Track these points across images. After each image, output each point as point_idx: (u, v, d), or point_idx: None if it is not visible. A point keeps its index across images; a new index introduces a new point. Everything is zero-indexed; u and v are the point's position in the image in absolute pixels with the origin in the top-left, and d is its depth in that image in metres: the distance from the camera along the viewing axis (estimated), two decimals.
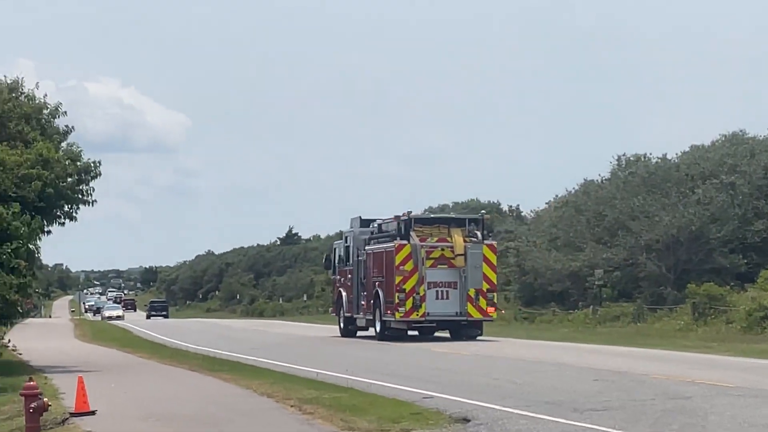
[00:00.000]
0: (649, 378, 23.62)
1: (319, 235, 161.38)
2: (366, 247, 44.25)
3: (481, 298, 40.88)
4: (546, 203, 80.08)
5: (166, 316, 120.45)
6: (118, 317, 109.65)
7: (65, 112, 34.75)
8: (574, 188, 72.93)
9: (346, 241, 47.22)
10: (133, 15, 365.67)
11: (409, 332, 42.47)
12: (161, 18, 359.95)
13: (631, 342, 38.97)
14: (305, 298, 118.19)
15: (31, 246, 29.97)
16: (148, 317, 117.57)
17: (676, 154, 66.39)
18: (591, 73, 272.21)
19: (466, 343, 39.82)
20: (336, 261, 48.57)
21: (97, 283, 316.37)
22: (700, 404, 18.67)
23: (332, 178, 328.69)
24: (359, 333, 46.01)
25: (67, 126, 34.76)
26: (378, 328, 42.83)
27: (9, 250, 28.32)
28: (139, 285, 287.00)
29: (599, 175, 70.66)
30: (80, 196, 32.92)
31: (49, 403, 17.21)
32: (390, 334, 41.97)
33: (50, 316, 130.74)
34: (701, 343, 37.18)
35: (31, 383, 17.09)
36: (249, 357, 34.70)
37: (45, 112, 34.33)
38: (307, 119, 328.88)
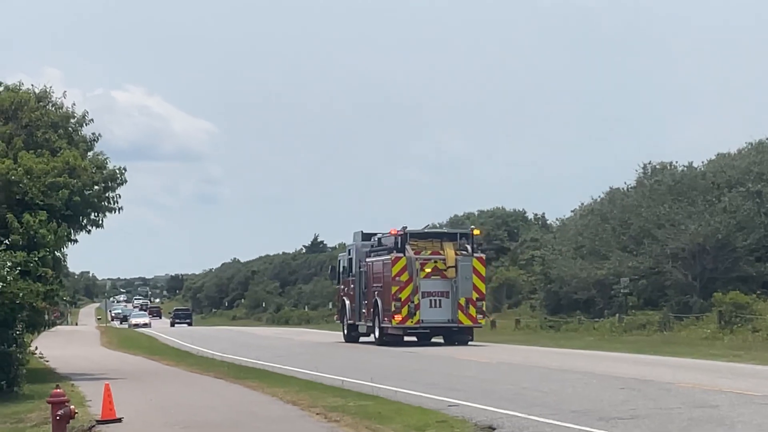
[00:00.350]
0: (675, 386, 23.53)
1: (345, 243, 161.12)
2: (366, 259, 47.74)
3: (470, 306, 44.14)
4: (571, 211, 79.91)
5: (190, 324, 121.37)
6: (145, 325, 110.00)
7: (92, 120, 34.95)
8: (599, 196, 72.94)
9: (349, 254, 50.62)
10: (159, 24, 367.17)
11: (406, 338, 45.59)
12: (187, 27, 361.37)
13: (657, 350, 38.85)
14: (331, 306, 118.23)
15: (57, 254, 30.12)
16: (172, 325, 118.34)
17: (702, 162, 66.35)
18: (617, 81, 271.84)
19: (492, 350, 40.12)
20: (340, 272, 52.10)
21: (123, 290, 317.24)
22: (728, 413, 18.59)
23: (357, 186, 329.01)
24: (361, 339, 49.10)
25: (94, 134, 34.92)
26: (377, 334, 46.13)
27: (36, 258, 28.45)
28: (165, 293, 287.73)
29: (625, 183, 70.68)
30: (106, 204, 33.06)
31: (76, 411, 17.30)
32: (387, 339, 45.10)
33: (77, 324, 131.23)
34: (728, 352, 37.01)
35: (58, 390, 17.18)
36: (274, 364, 34.74)
37: (72, 120, 34.48)
38: (333, 126, 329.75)
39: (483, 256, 45.93)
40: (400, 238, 44.60)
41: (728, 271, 55.07)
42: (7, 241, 27.47)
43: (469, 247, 44.69)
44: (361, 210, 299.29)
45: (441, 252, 44.29)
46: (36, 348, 29.52)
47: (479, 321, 44.76)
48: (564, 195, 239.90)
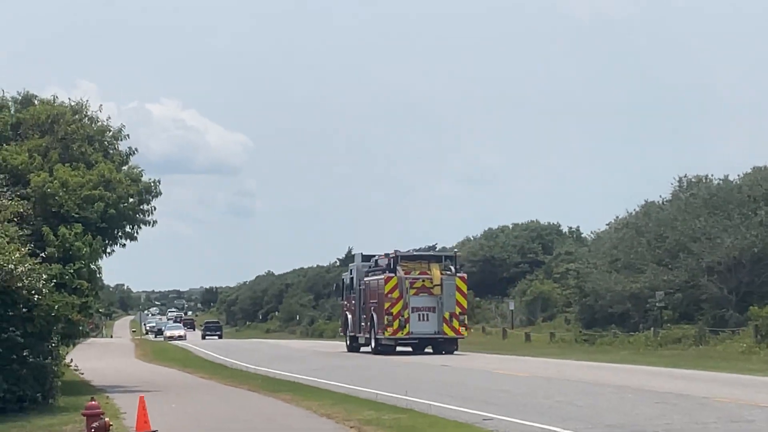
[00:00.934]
0: (711, 401, 23.40)
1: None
2: (365, 278, 53.28)
3: (454, 320, 49.44)
4: (606, 225, 79.71)
5: (220, 336, 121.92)
6: (180, 337, 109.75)
7: (128, 135, 35.02)
8: (635, 210, 72.71)
9: (351, 273, 56.40)
10: (194, 37, 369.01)
11: (401, 348, 50.66)
12: (221, 40, 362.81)
13: (693, 365, 38.67)
14: None
15: (93, 266, 30.26)
16: (203, 337, 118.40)
17: (738, 175, 65.99)
18: (652, 94, 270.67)
19: (525, 363, 40.08)
20: (343, 289, 57.82)
21: (158, 303, 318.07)
22: (764, 428, 18.48)
23: (391, 199, 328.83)
24: (361, 349, 53.98)
25: (129, 148, 34.98)
26: (373, 345, 51.26)
27: (71, 271, 28.62)
28: (199, 305, 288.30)
29: (660, 196, 70.48)
30: (141, 216, 33.16)
31: (111, 423, 17.32)
32: (381, 349, 50.19)
33: (111, 336, 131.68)
34: (764, 366, 36.80)
35: (93, 403, 17.22)
36: (309, 377, 34.74)
37: (108, 134, 34.59)
38: (368, 139, 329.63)
39: (465, 275, 51.51)
40: (392, 259, 50.23)
41: (764, 285, 54.78)
42: (43, 254, 27.58)
43: (453, 268, 50.09)
44: (394, 223, 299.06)
45: (428, 272, 49.72)
46: (71, 360, 29.63)
47: (462, 333, 49.95)
48: (599, 208, 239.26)
